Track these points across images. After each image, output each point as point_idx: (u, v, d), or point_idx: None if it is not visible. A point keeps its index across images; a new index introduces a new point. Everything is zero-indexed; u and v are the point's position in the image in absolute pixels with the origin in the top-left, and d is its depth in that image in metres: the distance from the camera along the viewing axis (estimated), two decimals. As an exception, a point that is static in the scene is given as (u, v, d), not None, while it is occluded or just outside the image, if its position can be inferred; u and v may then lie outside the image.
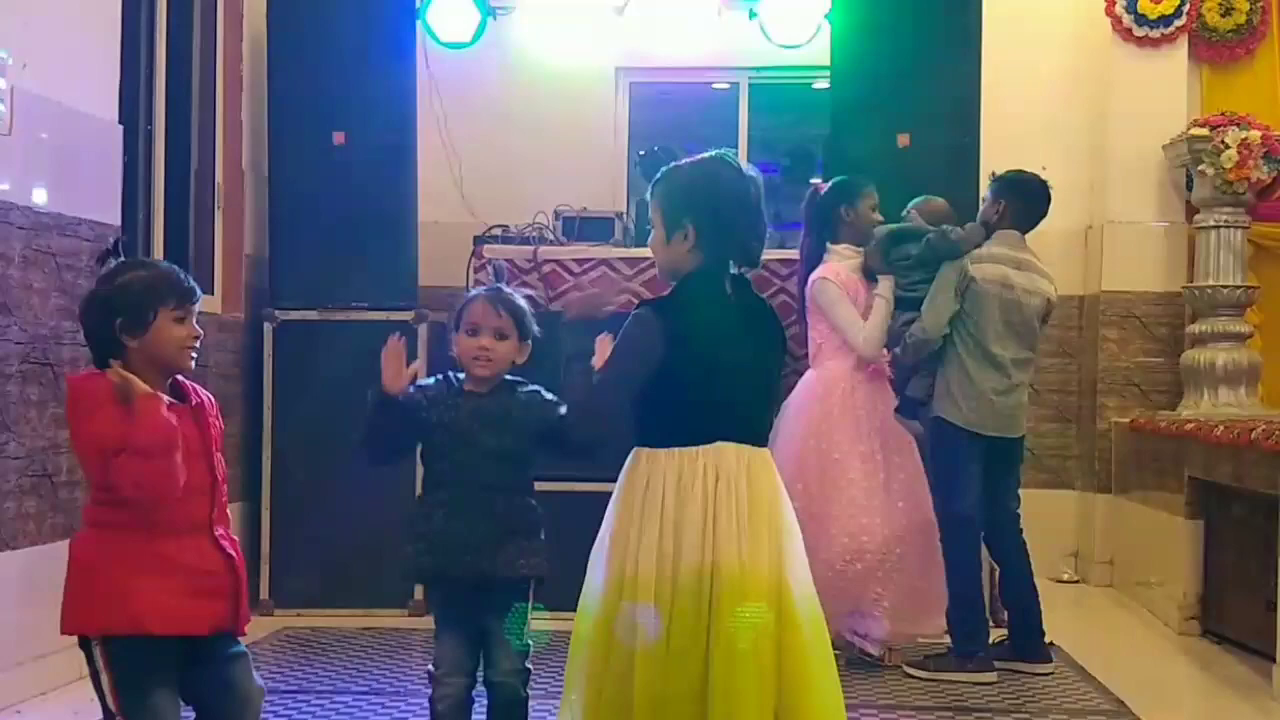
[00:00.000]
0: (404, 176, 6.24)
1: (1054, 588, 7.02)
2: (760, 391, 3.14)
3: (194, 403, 3.05)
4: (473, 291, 3.56)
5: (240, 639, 3.08)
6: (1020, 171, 5.36)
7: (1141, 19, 7.15)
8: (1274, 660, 4.80)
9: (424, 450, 3.44)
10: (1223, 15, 7.20)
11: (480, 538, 3.31)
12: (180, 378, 3.06)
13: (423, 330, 5.97)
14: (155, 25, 5.74)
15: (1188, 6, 7.11)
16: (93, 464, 2.91)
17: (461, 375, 3.44)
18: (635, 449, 3.07)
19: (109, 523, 2.94)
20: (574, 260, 6.20)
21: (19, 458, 4.41)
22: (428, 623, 5.72)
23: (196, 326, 3.04)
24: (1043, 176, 5.38)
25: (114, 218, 5.02)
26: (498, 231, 6.48)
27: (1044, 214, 5.33)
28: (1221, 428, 5.43)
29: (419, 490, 3.51)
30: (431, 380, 3.47)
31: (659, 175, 3.16)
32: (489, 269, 6.06)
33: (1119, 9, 7.17)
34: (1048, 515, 7.20)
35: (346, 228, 6.09)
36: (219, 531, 3.02)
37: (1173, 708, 4.87)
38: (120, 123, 5.13)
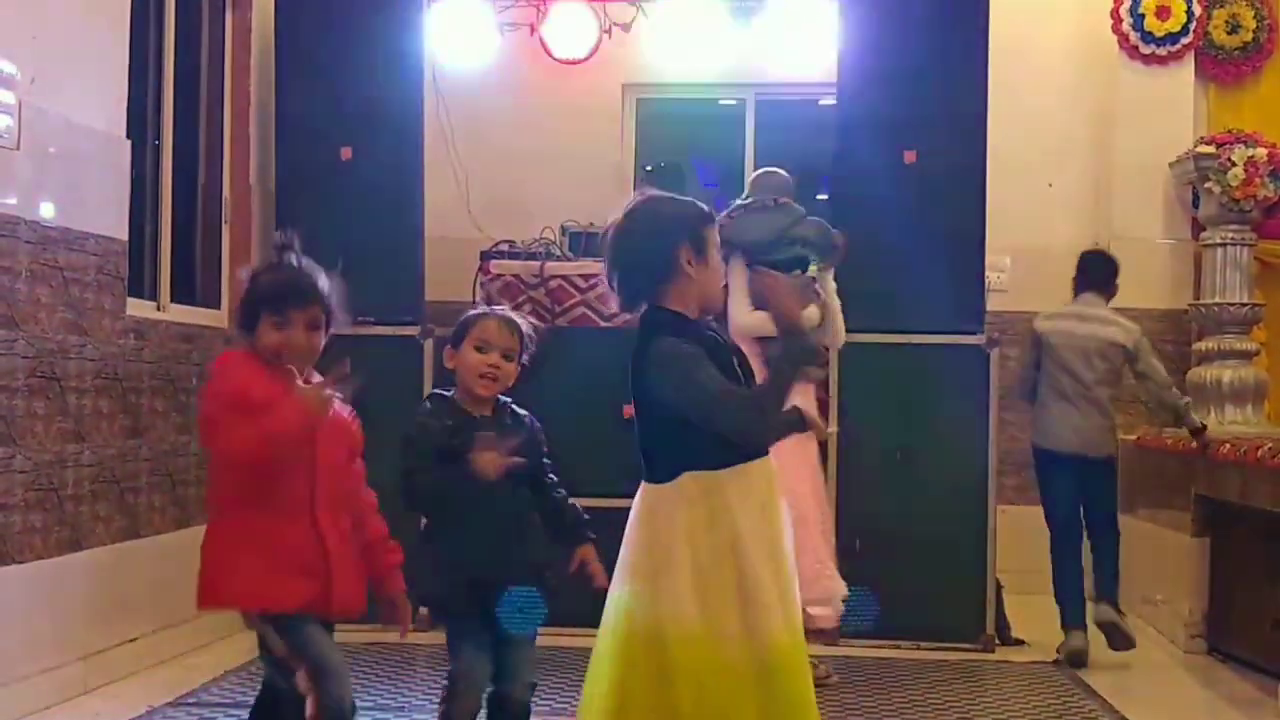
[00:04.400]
0: (411, 192, 6.24)
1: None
2: (643, 431, 3.01)
3: None
4: (482, 308, 3.59)
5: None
6: (1087, 249, 6.29)
7: (1148, 36, 7.16)
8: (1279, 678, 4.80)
9: (436, 468, 3.42)
10: (1229, 33, 7.21)
11: (513, 559, 3.39)
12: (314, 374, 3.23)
13: (428, 345, 5.97)
14: (163, 40, 5.75)
15: (1194, 24, 7.12)
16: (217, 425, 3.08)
17: (448, 394, 3.46)
18: None
19: (225, 505, 3.16)
20: (580, 275, 6.20)
21: (25, 471, 4.42)
22: (432, 638, 5.72)
23: (301, 334, 3.17)
24: (1098, 249, 6.33)
25: (121, 232, 5.04)
26: (504, 247, 6.49)
27: (1105, 272, 6.10)
28: (1227, 445, 5.42)
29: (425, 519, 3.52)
30: (429, 405, 3.50)
31: None
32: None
33: (1125, 26, 7.18)
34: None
35: (353, 243, 6.00)
36: (321, 516, 3.13)
37: (1178, 726, 4.86)
38: (128, 137, 5.14)
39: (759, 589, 2.90)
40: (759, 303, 4.84)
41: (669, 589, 2.91)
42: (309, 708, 3.06)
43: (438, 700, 3.47)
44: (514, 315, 3.55)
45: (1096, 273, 6.09)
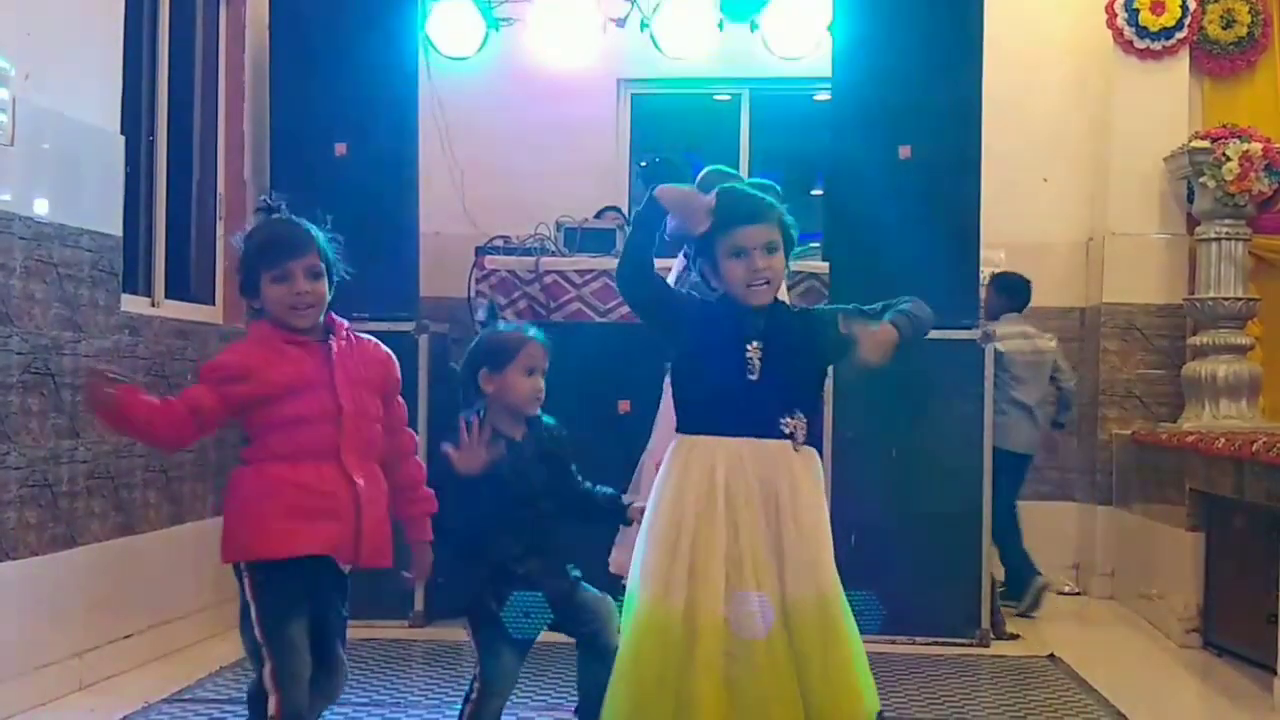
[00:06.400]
0: (405, 187, 6.23)
1: (1055, 600, 7.02)
2: None
3: (329, 342, 3.21)
4: (510, 330, 3.58)
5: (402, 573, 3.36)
6: (1004, 272, 6.88)
7: (1143, 31, 7.16)
8: (1275, 672, 4.80)
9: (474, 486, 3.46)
10: (1224, 27, 7.21)
11: (552, 562, 3.48)
12: (337, 319, 3.26)
13: (423, 341, 5.97)
14: (157, 36, 5.74)
15: (1189, 19, 7.12)
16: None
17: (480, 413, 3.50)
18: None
19: (249, 458, 3.17)
20: (575, 271, 6.20)
21: (19, 468, 4.41)
22: (428, 634, 5.78)
23: (304, 283, 3.17)
24: (1024, 274, 6.92)
25: (116, 228, 5.03)
26: (499, 242, 6.48)
27: (1028, 297, 6.88)
28: (1222, 440, 5.43)
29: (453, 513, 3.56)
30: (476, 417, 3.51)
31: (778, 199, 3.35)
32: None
33: (1120, 21, 7.18)
34: (1049, 527, 7.22)
35: (348, 238, 5.97)
36: (349, 460, 3.13)
37: (1174, 720, 4.87)
38: (122, 133, 5.13)
39: (699, 560, 3.13)
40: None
41: (636, 544, 3.24)
42: (271, 706, 3.07)
43: (462, 700, 3.48)
44: (541, 334, 3.58)
45: (1018, 295, 6.86)
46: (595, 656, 3.45)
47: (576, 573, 3.54)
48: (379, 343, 3.36)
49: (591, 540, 3.63)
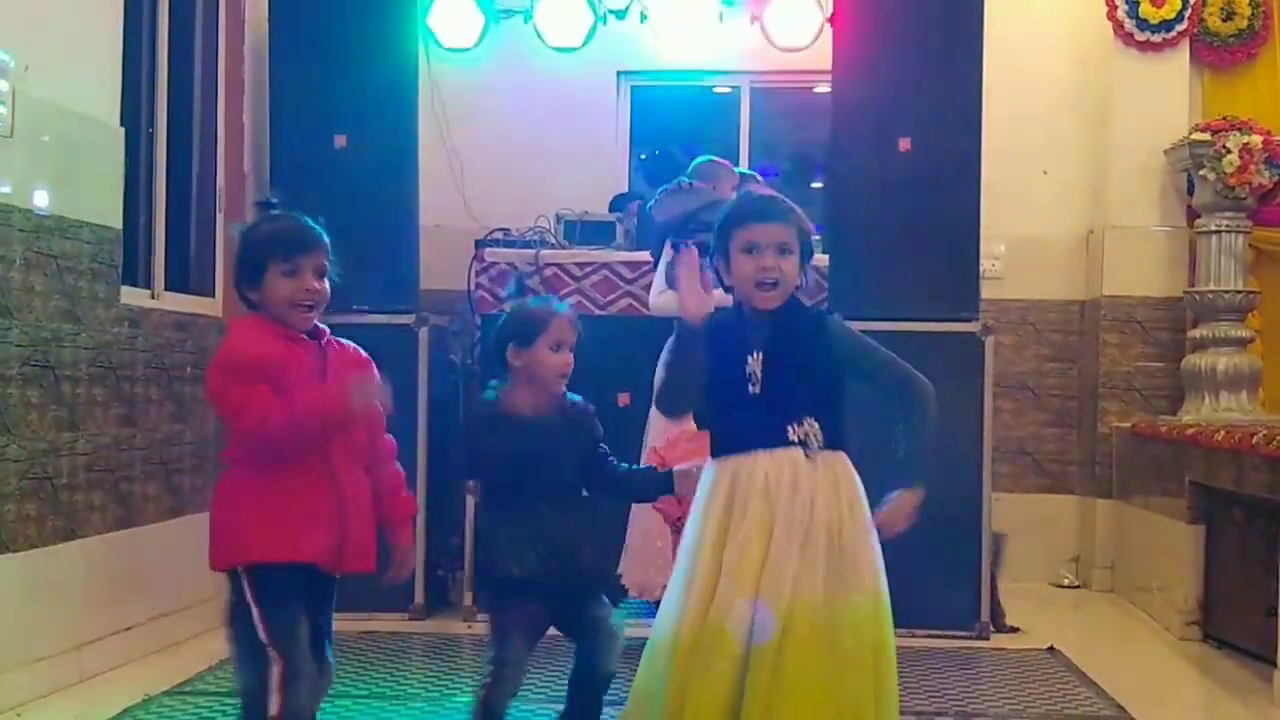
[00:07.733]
0: (405, 180, 6.22)
1: (1055, 592, 7.04)
2: None
3: (324, 342, 3.18)
4: (542, 305, 3.58)
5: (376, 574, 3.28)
6: None
7: (1143, 23, 7.15)
8: (1274, 665, 4.80)
9: (506, 465, 3.47)
10: (1224, 19, 7.20)
11: (585, 538, 3.46)
12: (324, 328, 3.20)
13: (423, 334, 5.97)
14: (157, 28, 5.73)
15: (1189, 11, 7.12)
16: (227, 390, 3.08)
17: (501, 400, 3.51)
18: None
19: (236, 459, 3.14)
20: (575, 264, 6.19)
21: (19, 460, 4.41)
22: (427, 626, 5.78)
23: (313, 281, 3.13)
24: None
25: (115, 220, 5.03)
26: (499, 235, 6.48)
27: None
28: (1222, 433, 5.43)
29: (477, 497, 3.59)
30: (494, 391, 3.52)
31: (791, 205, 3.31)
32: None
33: (1120, 13, 7.17)
34: (1048, 520, 7.23)
35: (348, 231, 5.89)
36: (338, 464, 3.10)
37: (1173, 713, 4.86)
38: (122, 125, 5.13)
39: (695, 575, 3.11)
40: (672, 283, 4.90)
41: None
42: (273, 706, 3.05)
43: (478, 684, 3.46)
44: (569, 308, 3.58)
45: None
46: (587, 674, 3.48)
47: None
48: (358, 347, 3.31)
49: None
